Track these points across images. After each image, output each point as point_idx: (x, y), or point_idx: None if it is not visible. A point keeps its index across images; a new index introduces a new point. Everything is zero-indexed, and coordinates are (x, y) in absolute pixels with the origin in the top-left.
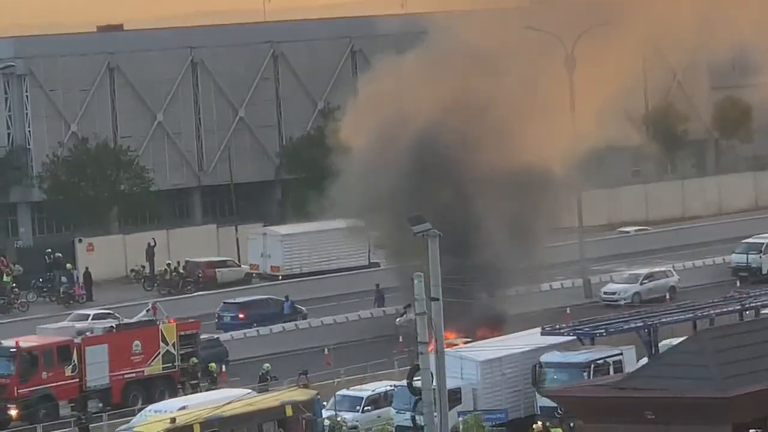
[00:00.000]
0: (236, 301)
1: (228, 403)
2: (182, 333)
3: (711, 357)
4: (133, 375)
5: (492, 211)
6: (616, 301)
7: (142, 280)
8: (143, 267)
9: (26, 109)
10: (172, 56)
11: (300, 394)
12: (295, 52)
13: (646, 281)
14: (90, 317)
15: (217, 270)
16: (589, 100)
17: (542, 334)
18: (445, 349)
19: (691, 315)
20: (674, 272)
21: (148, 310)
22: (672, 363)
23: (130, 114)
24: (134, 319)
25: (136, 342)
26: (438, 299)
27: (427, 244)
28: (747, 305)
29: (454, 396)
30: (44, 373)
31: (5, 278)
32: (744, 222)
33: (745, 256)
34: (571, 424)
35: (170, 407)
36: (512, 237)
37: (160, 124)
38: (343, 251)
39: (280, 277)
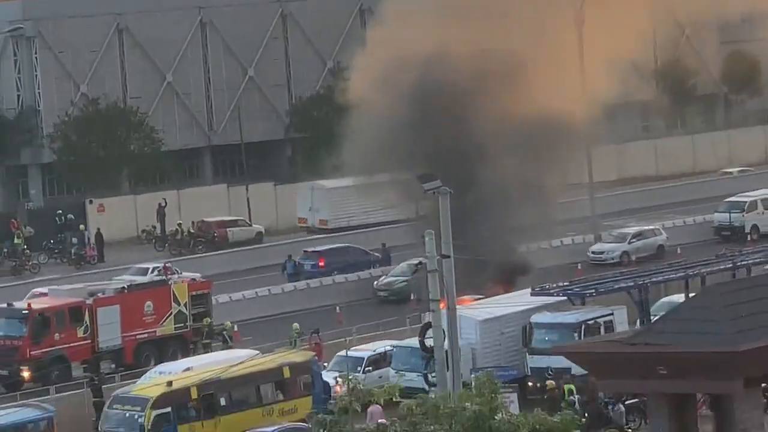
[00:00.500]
0: (316, 249)
1: (231, 366)
2: (194, 293)
3: (722, 312)
4: (145, 335)
5: (502, 164)
6: (604, 260)
7: (153, 240)
8: (154, 227)
9: (35, 71)
10: (181, 16)
11: (298, 356)
12: (303, 11)
13: (634, 240)
14: (150, 270)
15: (228, 229)
16: (598, 55)
17: (532, 294)
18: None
19: (682, 274)
20: (663, 231)
21: (159, 271)
22: (683, 318)
23: (140, 74)
24: (146, 280)
25: (148, 302)
26: (449, 256)
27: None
28: (738, 263)
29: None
30: (56, 334)
31: (17, 240)
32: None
33: (728, 215)
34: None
35: (175, 368)
36: (522, 191)
37: (169, 84)
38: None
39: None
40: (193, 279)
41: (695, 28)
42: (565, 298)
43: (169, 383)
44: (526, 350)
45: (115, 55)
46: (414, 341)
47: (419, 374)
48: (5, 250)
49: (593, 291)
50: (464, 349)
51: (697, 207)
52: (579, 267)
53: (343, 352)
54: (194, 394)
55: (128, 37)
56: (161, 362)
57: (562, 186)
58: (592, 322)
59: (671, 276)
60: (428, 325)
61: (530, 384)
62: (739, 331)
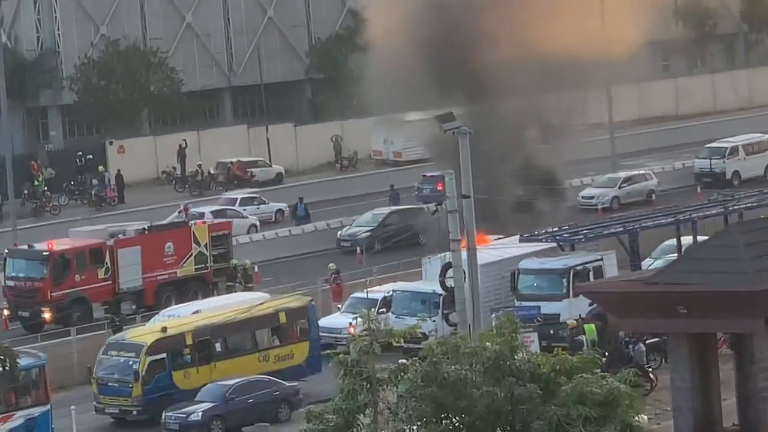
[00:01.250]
0: (435, 174)
1: (228, 312)
2: (214, 234)
3: (742, 251)
4: (166, 276)
5: (521, 101)
6: (595, 205)
7: (174, 181)
8: (174, 168)
9: (55, 12)
10: None
11: (294, 301)
12: None
13: (624, 185)
14: (237, 201)
15: (248, 170)
16: None
17: (520, 240)
18: (444, 254)
19: (672, 219)
20: (653, 175)
21: (180, 212)
22: (703, 257)
23: (159, 15)
24: (166, 221)
25: (168, 243)
26: (469, 196)
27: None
28: (730, 208)
29: (453, 300)
30: (77, 276)
31: (36, 182)
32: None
33: (708, 161)
34: (551, 331)
35: (184, 312)
36: (543, 130)
37: (189, 25)
38: None
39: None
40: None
41: None
42: (555, 244)
43: (164, 329)
44: (513, 296)
45: None
46: (414, 285)
47: (418, 318)
48: (26, 192)
49: (581, 237)
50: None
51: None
52: (600, 207)
53: (357, 294)
54: (189, 340)
55: None
56: (182, 303)
57: (582, 125)
58: (580, 267)
59: (662, 221)
60: (449, 265)
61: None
62: (760, 270)
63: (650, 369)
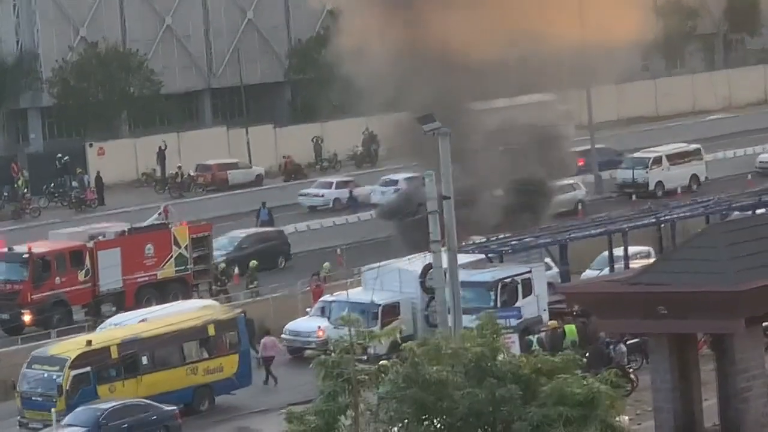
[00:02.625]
0: (576, 149)
1: (154, 325)
2: (195, 236)
3: (723, 251)
4: (146, 278)
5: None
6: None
7: (154, 183)
8: (154, 170)
9: (34, 15)
10: None
11: (223, 313)
12: None
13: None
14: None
15: (228, 172)
16: None
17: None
18: (384, 264)
19: (603, 230)
20: (582, 185)
21: (159, 214)
22: (684, 258)
23: (139, 18)
24: (146, 223)
25: (149, 245)
26: (449, 197)
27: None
28: (662, 218)
29: (393, 310)
30: (57, 278)
31: (16, 185)
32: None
33: (631, 171)
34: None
35: (131, 320)
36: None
37: (168, 27)
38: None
39: None
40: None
41: None
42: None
43: (89, 342)
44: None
45: None
46: (353, 295)
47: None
48: (5, 194)
49: (510, 248)
50: (404, 303)
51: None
52: (580, 207)
53: (327, 297)
54: (114, 354)
55: None
56: (163, 303)
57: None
58: (509, 280)
59: (592, 232)
60: (429, 267)
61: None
62: (740, 270)
63: (631, 369)
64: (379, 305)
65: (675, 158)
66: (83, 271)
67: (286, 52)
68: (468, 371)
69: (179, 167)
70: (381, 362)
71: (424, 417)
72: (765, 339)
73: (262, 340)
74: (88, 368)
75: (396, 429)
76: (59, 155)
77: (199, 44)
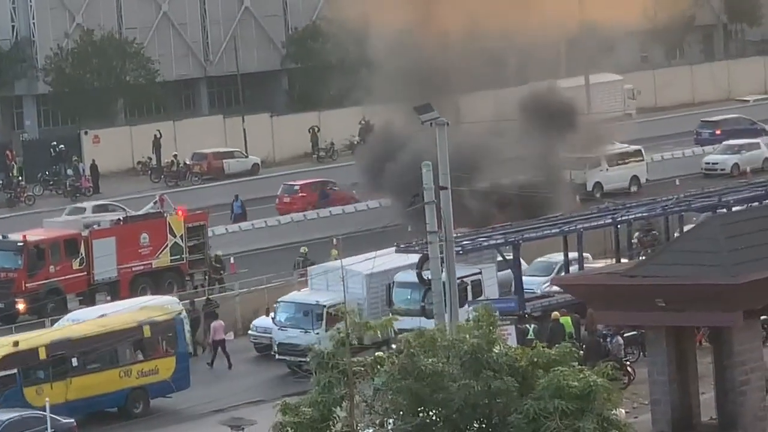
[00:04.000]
0: (712, 119)
1: (97, 324)
2: (190, 225)
3: (722, 243)
4: (141, 267)
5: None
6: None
7: (149, 171)
8: (150, 159)
9: (30, 1)
10: None
11: (160, 314)
12: None
13: None
14: None
15: (224, 161)
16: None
17: (396, 251)
18: (331, 262)
19: (557, 230)
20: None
21: (155, 203)
22: (682, 250)
23: (135, 5)
24: (141, 212)
25: (144, 234)
26: (447, 188)
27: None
28: (618, 218)
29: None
30: (52, 266)
31: (12, 174)
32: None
33: (569, 172)
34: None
35: (88, 316)
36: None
37: (165, 14)
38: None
39: None
40: None
41: None
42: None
43: (16, 343)
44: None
45: None
46: (298, 296)
47: (302, 330)
48: (0, 181)
49: (460, 249)
50: (350, 303)
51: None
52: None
53: (285, 297)
54: (43, 355)
55: None
56: (157, 294)
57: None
58: (458, 281)
59: (547, 232)
60: (425, 258)
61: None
62: (739, 263)
63: (628, 362)
64: (324, 306)
65: (614, 159)
66: (78, 259)
67: (283, 41)
68: (464, 363)
69: (175, 156)
70: (377, 353)
71: (419, 409)
72: (763, 332)
73: (212, 325)
74: (14, 370)
75: (391, 420)
76: (54, 143)
77: (196, 32)
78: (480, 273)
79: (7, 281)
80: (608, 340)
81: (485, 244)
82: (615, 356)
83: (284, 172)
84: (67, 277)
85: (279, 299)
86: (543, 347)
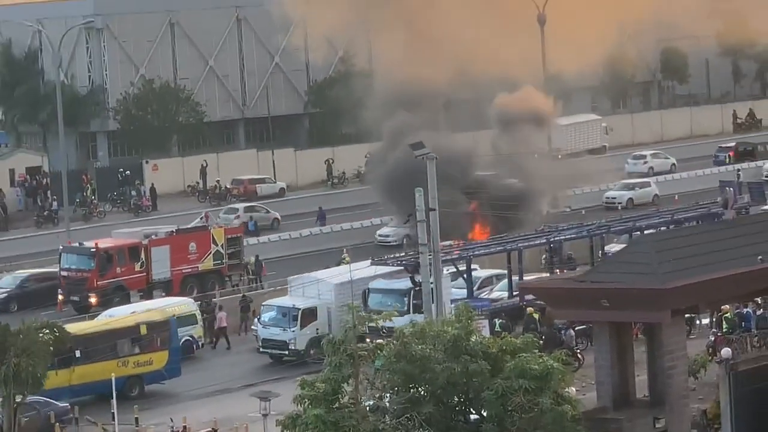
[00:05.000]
0: (727, 145)
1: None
2: (229, 236)
3: (653, 256)
4: (190, 270)
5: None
6: (389, 242)
7: (197, 194)
8: (198, 183)
9: (103, 56)
10: (222, 13)
11: (156, 315)
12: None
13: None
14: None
15: (257, 185)
16: (557, 51)
17: (371, 264)
18: (306, 275)
19: (501, 248)
20: None
21: (201, 218)
22: (622, 261)
23: (187, 60)
24: (191, 225)
25: (192, 243)
26: (435, 209)
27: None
28: (552, 239)
29: (311, 313)
30: (118, 268)
31: (86, 193)
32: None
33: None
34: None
35: (122, 312)
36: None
37: (211, 68)
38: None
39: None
40: None
41: (637, 27)
42: (402, 267)
43: None
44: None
45: (167, 44)
46: (280, 300)
47: (282, 328)
48: (77, 200)
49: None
50: (321, 308)
51: None
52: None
53: (269, 301)
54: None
55: (178, 30)
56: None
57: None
58: (419, 288)
59: (492, 250)
60: (417, 264)
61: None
62: (667, 272)
63: (578, 350)
64: (299, 309)
65: None
66: (139, 263)
67: (306, 90)
68: (447, 349)
69: (218, 181)
70: (378, 341)
71: (411, 386)
72: (686, 327)
73: (218, 315)
74: None
75: (388, 395)
76: (121, 169)
77: (236, 82)
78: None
79: (82, 280)
80: (563, 332)
81: (444, 258)
82: (568, 345)
83: (305, 195)
84: (130, 277)
85: (264, 302)
86: (510, 338)
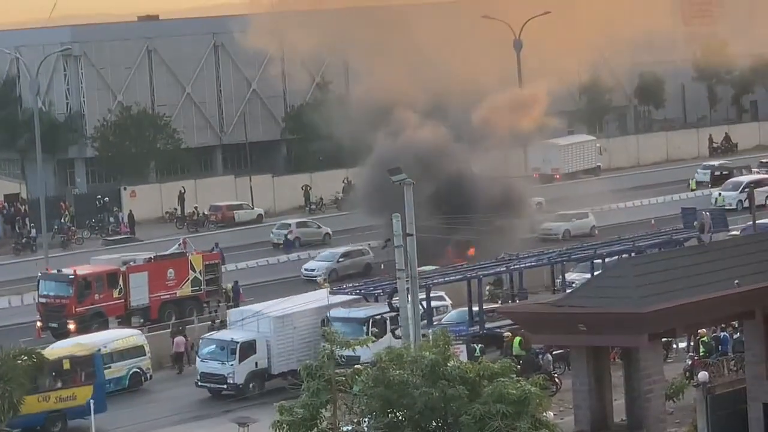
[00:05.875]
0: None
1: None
2: (207, 263)
3: (631, 280)
4: (168, 296)
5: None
6: (314, 277)
7: (175, 220)
8: (176, 209)
9: (81, 83)
10: (199, 40)
11: (80, 350)
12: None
13: (342, 259)
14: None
15: (235, 212)
16: (533, 76)
17: (330, 293)
18: (247, 306)
19: (461, 276)
20: (370, 251)
21: (179, 245)
22: (600, 285)
23: (165, 87)
24: (168, 252)
25: (170, 270)
26: (412, 235)
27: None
28: (512, 267)
29: (250, 347)
30: (96, 295)
31: (63, 220)
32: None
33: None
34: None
35: (66, 344)
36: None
37: (188, 94)
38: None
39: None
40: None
41: (613, 52)
42: (360, 296)
43: None
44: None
45: (145, 71)
46: (219, 334)
47: (220, 362)
48: (55, 227)
49: (380, 291)
50: (260, 341)
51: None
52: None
53: (206, 334)
54: None
55: (156, 57)
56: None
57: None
58: (378, 317)
59: (452, 278)
60: (395, 290)
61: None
62: (644, 296)
63: (556, 375)
64: (238, 342)
65: None
66: (117, 289)
67: (283, 116)
68: (424, 374)
69: (195, 207)
70: (355, 366)
71: (389, 411)
72: (663, 351)
73: (174, 339)
74: None
75: (366, 420)
76: (99, 196)
77: (213, 108)
78: (398, 310)
79: (61, 306)
80: (540, 356)
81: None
82: (545, 370)
83: (283, 220)
84: (108, 303)
85: (202, 336)
86: (487, 362)
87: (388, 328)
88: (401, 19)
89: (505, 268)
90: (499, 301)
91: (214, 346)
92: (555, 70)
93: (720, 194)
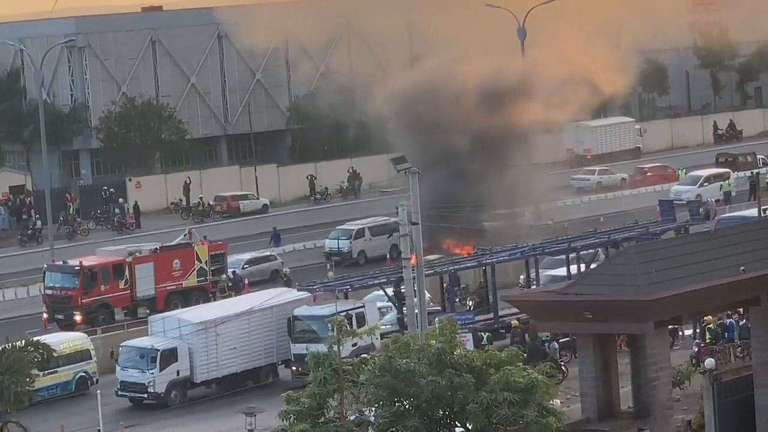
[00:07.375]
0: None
1: None
2: (212, 253)
3: (636, 268)
4: (174, 287)
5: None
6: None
7: (180, 211)
8: (181, 200)
9: (85, 75)
10: (203, 31)
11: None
12: (303, 26)
13: (247, 266)
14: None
15: (240, 202)
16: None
17: (298, 290)
18: (167, 314)
19: (432, 271)
20: (277, 257)
21: (185, 235)
22: (606, 273)
23: (169, 78)
24: (174, 242)
25: (176, 260)
26: (417, 223)
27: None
28: (484, 261)
29: (172, 354)
30: (102, 286)
31: (69, 211)
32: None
33: (337, 241)
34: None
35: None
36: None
37: (193, 85)
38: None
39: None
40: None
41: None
42: (328, 291)
43: None
44: (290, 338)
45: (149, 62)
46: (139, 341)
47: (140, 370)
48: (61, 218)
49: (348, 287)
50: (181, 348)
51: None
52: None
53: (127, 343)
54: None
55: (160, 48)
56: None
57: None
58: (344, 313)
59: (427, 273)
60: (401, 279)
61: (293, 369)
62: (651, 284)
63: (562, 362)
64: (158, 350)
65: (376, 231)
66: (123, 280)
67: (287, 106)
68: (431, 363)
69: (201, 198)
70: (362, 355)
71: (396, 400)
72: (670, 338)
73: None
74: None
75: (373, 409)
76: (104, 187)
77: (218, 99)
78: (363, 306)
79: (67, 298)
80: (547, 344)
81: (370, 283)
82: (552, 358)
83: (288, 211)
84: (114, 294)
85: (121, 344)
86: (494, 351)
87: (355, 324)
88: (405, 4)
89: (477, 263)
90: (469, 300)
91: (133, 353)
92: (558, 58)
93: (727, 182)
